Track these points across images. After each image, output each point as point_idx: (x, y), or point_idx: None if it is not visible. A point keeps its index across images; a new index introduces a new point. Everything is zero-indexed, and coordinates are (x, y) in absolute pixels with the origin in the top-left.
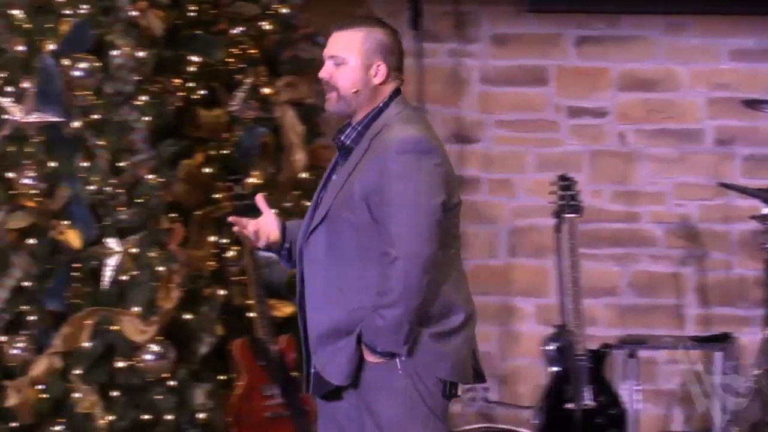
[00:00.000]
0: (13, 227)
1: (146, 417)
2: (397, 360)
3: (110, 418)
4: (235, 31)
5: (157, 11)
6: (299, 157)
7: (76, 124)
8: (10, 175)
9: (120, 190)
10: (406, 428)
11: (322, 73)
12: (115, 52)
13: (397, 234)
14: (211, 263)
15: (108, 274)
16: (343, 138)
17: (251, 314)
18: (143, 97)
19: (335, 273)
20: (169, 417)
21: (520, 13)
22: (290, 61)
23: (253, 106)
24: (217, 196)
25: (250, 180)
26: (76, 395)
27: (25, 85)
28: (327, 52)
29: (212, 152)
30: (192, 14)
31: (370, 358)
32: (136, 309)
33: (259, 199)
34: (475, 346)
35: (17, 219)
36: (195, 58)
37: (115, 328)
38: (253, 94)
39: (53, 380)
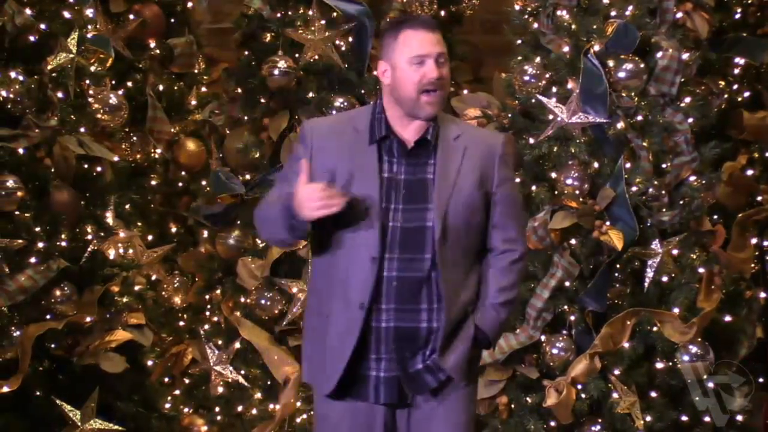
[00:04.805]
0: (555, 227)
1: (684, 419)
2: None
3: (648, 418)
4: None
5: (703, 13)
6: None
7: (620, 125)
8: (554, 175)
9: (662, 192)
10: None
11: (437, 72)
12: (659, 54)
13: (519, 233)
14: (753, 266)
15: (649, 275)
16: (429, 137)
17: None
18: (687, 99)
19: (450, 274)
20: (707, 419)
21: None
22: None
23: None
24: (759, 198)
25: None
26: (615, 395)
27: (570, 85)
28: (436, 49)
29: (755, 155)
30: (737, 16)
31: (475, 352)
32: (676, 310)
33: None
34: None
35: (560, 219)
36: (740, 60)
37: (655, 329)
38: None
39: (592, 380)
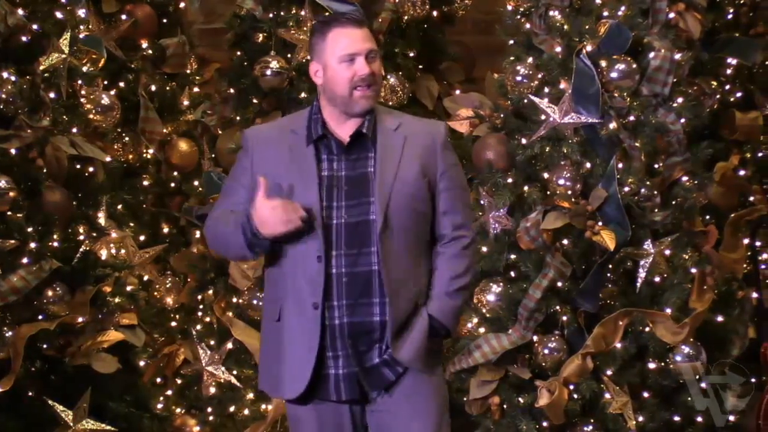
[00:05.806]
0: (548, 227)
1: (676, 419)
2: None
3: (640, 419)
4: None
5: (696, 13)
6: None
7: (612, 125)
8: (546, 175)
9: (655, 192)
10: (444, 408)
11: (368, 69)
12: (652, 54)
13: (468, 218)
14: (745, 266)
15: (641, 275)
16: (365, 130)
17: None
18: (679, 99)
19: (395, 266)
20: (700, 419)
21: None
22: None
23: None
24: (751, 198)
25: None
26: (607, 396)
27: (562, 86)
28: (365, 46)
29: (748, 155)
30: (730, 17)
31: (434, 341)
32: (668, 310)
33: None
34: None
35: (552, 219)
36: (732, 61)
37: (647, 329)
38: None
39: (584, 381)
